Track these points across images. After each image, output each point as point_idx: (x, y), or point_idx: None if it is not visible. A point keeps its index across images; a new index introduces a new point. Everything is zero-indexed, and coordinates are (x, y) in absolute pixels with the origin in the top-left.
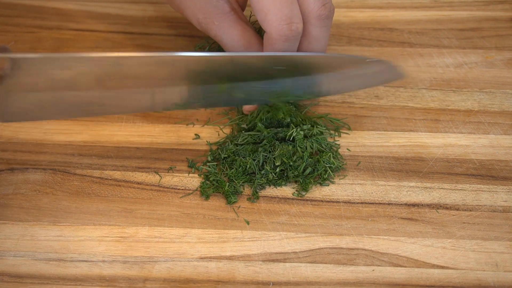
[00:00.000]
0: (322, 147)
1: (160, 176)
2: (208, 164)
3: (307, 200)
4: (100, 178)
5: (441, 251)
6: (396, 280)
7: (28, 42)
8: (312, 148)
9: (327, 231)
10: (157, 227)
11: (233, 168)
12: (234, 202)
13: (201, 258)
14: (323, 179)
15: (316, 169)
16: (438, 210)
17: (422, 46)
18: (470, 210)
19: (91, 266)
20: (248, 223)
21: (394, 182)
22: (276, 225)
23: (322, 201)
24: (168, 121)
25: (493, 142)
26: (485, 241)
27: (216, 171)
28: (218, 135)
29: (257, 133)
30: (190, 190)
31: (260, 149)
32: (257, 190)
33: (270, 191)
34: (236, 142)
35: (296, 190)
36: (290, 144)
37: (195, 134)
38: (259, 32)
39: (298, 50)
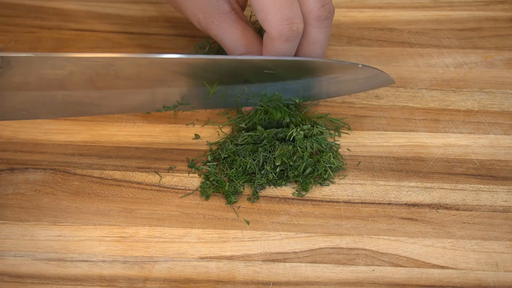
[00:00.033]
0: (322, 147)
1: (160, 176)
2: (208, 164)
3: (307, 200)
4: (100, 178)
5: (441, 251)
6: (396, 280)
7: (28, 42)
8: (312, 148)
9: (327, 231)
10: (157, 227)
11: (233, 168)
12: (234, 202)
13: (201, 258)
14: (323, 179)
15: (316, 169)
16: (438, 210)
17: (422, 46)
18: (470, 210)
19: (91, 266)
20: (248, 223)
21: (394, 182)
22: (276, 225)
23: (322, 201)
24: (168, 121)
25: (493, 142)
26: (485, 241)
27: (216, 171)
28: (218, 135)
29: (257, 133)
30: (190, 190)
31: (260, 149)
32: (257, 190)
33: (270, 191)
34: (236, 142)
35: (296, 190)
36: (290, 144)
37: (195, 134)
38: (260, 32)
39: (297, 51)
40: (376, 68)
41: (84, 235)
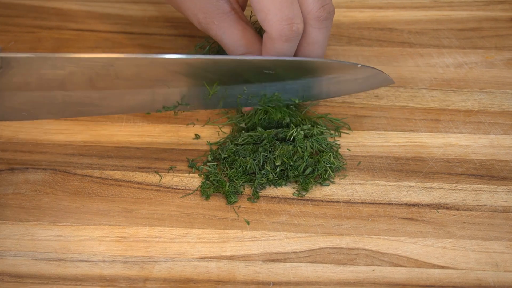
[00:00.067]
0: (323, 147)
1: (160, 176)
2: (208, 164)
3: (307, 200)
4: (100, 178)
5: (442, 251)
6: (396, 280)
7: (28, 42)
8: (312, 148)
9: (327, 231)
10: (157, 227)
11: (233, 168)
12: (235, 202)
13: (202, 258)
14: (323, 179)
15: (316, 169)
16: (438, 210)
17: (422, 46)
18: (471, 210)
19: (91, 266)
20: (248, 223)
21: (394, 182)
22: (277, 225)
23: (322, 201)
24: (168, 121)
25: (493, 142)
26: (485, 241)
27: (216, 171)
28: (218, 135)
29: (257, 133)
30: (190, 190)
31: (260, 149)
32: (258, 190)
33: (271, 191)
34: (236, 142)
35: (297, 190)
36: (291, 144)
37: (195, 134)
38: (260, 32)
39: (297, 51)
40: (375, 68)
41: (84, 235)
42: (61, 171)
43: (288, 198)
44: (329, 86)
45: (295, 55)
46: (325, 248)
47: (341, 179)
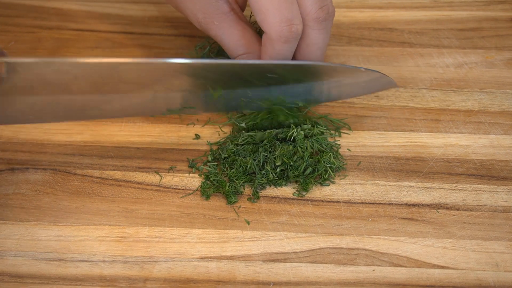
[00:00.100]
0: (323, 147)
1: (160, 176)
2: (208, 164)
3: (307, 200)
4: (100, 178)
5: (442, 251)
6: (396, 280)
7: (28, 42)
8: (312, 148)
9: (327, 231)
10: (157, 227)
11: (233, 168)
12: (235, 202)
13: (202, 258)
14: (323, 179)
15: (316, 169)
16: (438, 210)
17: (422, 46)
18: (471, 210)
19: (91, 266)
20: (248, 223)
21: (394, 182)
22: (277, 225)
23: (322, 201)
24: (168, 121)
25: (493, 142)
26: (485, 241)
27: (216, 171)
28: (219, 135)
29: (258, 133)
30: (190, 190)
31: (260, 149)
32: (258, 190)
33: (271, 191)
34: (236, 142)
35: (297, 190)
36: (291, 144)
37: (195, 134)
38: (259, 32)
39: (296, 52)
40: (379, 72)
41: (84, 235)
42: (61, 171)
43: (288, 198)
44: (333, 89)
45: (294, 56)
46: (325, 248)
47: (341, 179)
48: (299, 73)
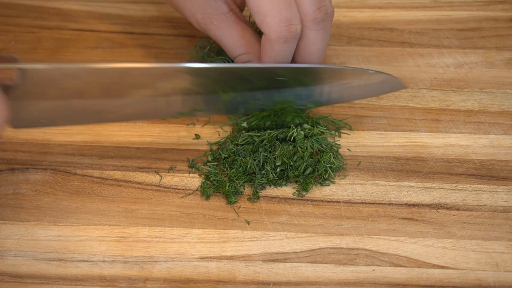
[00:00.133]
0: (323, 147)
1: (160, 176)
2: (208, 164)
3: (307, 200)
4: (100, 178)
5: (442, 251)
6: (396, 280)
7: (28, 42)
8: (312, 148)
9: (327, 231)
10: (157, 227)
11: (233, 168)
12: (235, 202)
13: (202, 258)
14: (323, 179)
15: (316, 169)
16: (438, 210)
17: (422, 46)
18: (471, 210)
19: (91, 266)
20: (248, 223)
21: (394, 182)
22: (277, 225)
23: (322, 201)
24: (168, 121)
25: (493, 142)
26: (485, 241)
27: (216, 171)
28: (219, 135)
29: (258, 133)
30: (190, 190)
31: (260, 149)
32: (258, 190)
33: (271, 191)
34: (236, 142)
35: (297, 190)
36: (291, 144)
37: (195, 134)
38: (260, 32)
39: (295, 53)
40: (388, 74)
41: (84, 235)
42: (61, 171)
43: (288, 198)
44: (342, 92)
45: (293, 57)
46: (325, 248)
47: (341, 179)
48: (308, 76)
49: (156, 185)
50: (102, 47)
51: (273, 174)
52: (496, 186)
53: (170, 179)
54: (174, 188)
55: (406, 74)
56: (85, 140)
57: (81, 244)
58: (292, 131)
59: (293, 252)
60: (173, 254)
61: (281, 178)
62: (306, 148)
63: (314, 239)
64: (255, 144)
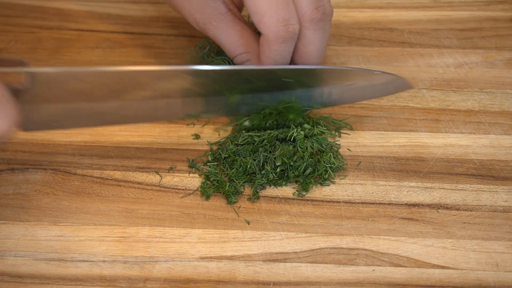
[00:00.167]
0: (323, 147)
1: (160, 176)
2: (208, 164)
3: (307, 200)
4: (100, 178)
5: (442, 251)
6: (396, 280)
7: (28, 42)
8: (312, 148)
9: (327, 231)
10: (157, 227)
11: (233, 168)
12: (235, 202)
13: (202, 258)
14: (323, 179)
15: (316, 169)
16: (438, 210)
17: (423, 46)
18: (471, 210)
19: (91, 266)
20: (248, 223)
21: (394, 182)
22: (277, 225)
23: (322, 201)
24: (168, 121)
25: (493, 142)
26: (485, 241)
27: (216, 171)
28: (219, 134)
29: (258, 133)
30: (190, 190)
31: (260, 149)
32: (258, 190)
33: (271, 191)
34: (236, 142)
35: (297, 190)
36: (291, 144)
37: (196, 134)
38: (259, 33)
39: (294, 53)
40: (393, 74)
41: (84, 235)
42: (62, 171)
43: (289, 198)
44: (348, 93)
45: (292, 57)
46: (325, 248)
47: (341, 179)
48: (314, 77)
49: (156, 185)
50: (102, 47)
51: (273, 174)
52: (496, 186)
53: (170, 179)
54: (174, 188)
55: (406, 74)
56: (85, 140)
57: (81, 244)
58: (292, 131)
59: (293, 252)
60: (173, 254)
61: (281, 178)
62: (306, 148)
63: (314, 239)
64: (255, 144)
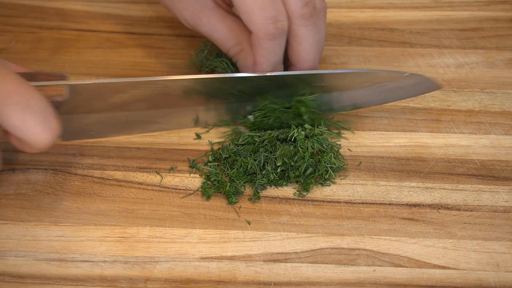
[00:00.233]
0: (323, 147)
1: (161, 176)
2: (209, 164)
3: (308, 200)
4: (101, 178)
5: (442, 251)
6: (397, 281)
7: (29, 42)
8: (313, 149)
9: (328, 231)
10: (158, 227)
11: (234, 168)
12: (235, 202)
13: (202, 258)
14: (324, 179)
15: (317, 169)
16: (439, 210)
17: (423, 46)
18: (471, 210)
19: (92, 266)
20: (249, 223)
21: (395, 182)
22: (277, 225)
23: (323, 201)
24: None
25: (494, 142)
26: (486, 241)
27: (217, 171)
28: (222, 134)
29: (258, 133)
30: (191, 190)
31: (261, 149)
32: (258, 190)
33: (271, 191)
34: (237, 142)
35: (297, 190)
36: (291, 144)
37: (196, 134)
38: None
39: (289, 51)
40: (422, 75)
41: (85, 235)
42: (62, 171)
43: (289, 199)
44: (376, 95)
45: (288, 55)
46: (326, 248)
47: (342, 179)
48: (344, 81)
49: (157, 185)
50: (102, 47)
51: (274, 174)
52: (497, 186)
53: (170, 179)
54: (175, 188)
55: None
56: (85, 140)
57: (82, 244)
58: (293, 131)
59: (294, 252)
60: (174, 254)
61: (282, 178)
62: (307, 148)
63: (315, 239)
64: (256, 144)
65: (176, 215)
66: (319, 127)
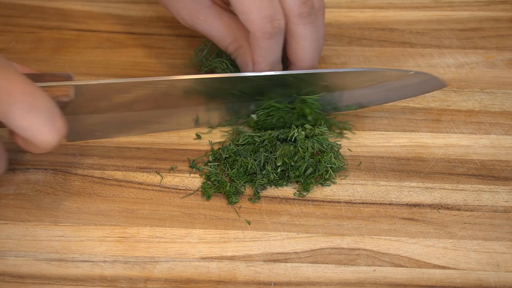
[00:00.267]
0: (323, 147)
1: (161, 176)
2: (209, 164)
3: (308, 200)
4: (101, 178)
5: (442, 252)
6: (397, 281)
7: (29, 42)
8: (313, 149)
9: (328, 231)
10: (158, 227)
11: (234, 168)
12: (235, 202)
13: (203, 258)
14: (324, 179)
15: (317, 169)
16: (439, 211)
17: (423, 46)
18: (472, 211)
19: (92, 266)
20: (249, 223)
21: (395, 182)
22: (277, 225)
23: (323, 201)
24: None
25: (494, 142)
26: (486, 241)
27: (217, 171)
28: (223, 134)
29: (259, 134)
30: (191, 190)
31: (261, 149)
32: (258, 190)
33: (271, 191)
34: (237, 142)
35: (297, 190)
36: (292, 144)
37: (196, 134)
38: None
39: (288, 51)
40: (427, 74)
41: (85, 235)
42: (62, 172)
43: (289, 199)
44: (381, 94)
45: (288, 55)
46: (326, 248)
47: (342, 179)
48: (349, 80)
49: (157, 185)
50: (102, 47)
51: (274, 174)
52: (497, 186)
53: (171, 179)
54: (175, 188)
55: None
56: (85, 140)
57: (82, 244)
58: (293, 131)
59: (294, 252)
60: (174, 254)
61: (282, 178)
62: (307, 148)
63: (315, 239)
64: (256, 144)
65: (176, 215)
66: (320, 127)
